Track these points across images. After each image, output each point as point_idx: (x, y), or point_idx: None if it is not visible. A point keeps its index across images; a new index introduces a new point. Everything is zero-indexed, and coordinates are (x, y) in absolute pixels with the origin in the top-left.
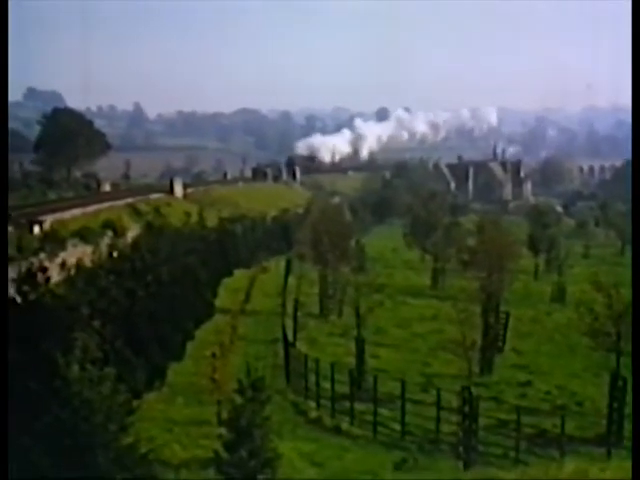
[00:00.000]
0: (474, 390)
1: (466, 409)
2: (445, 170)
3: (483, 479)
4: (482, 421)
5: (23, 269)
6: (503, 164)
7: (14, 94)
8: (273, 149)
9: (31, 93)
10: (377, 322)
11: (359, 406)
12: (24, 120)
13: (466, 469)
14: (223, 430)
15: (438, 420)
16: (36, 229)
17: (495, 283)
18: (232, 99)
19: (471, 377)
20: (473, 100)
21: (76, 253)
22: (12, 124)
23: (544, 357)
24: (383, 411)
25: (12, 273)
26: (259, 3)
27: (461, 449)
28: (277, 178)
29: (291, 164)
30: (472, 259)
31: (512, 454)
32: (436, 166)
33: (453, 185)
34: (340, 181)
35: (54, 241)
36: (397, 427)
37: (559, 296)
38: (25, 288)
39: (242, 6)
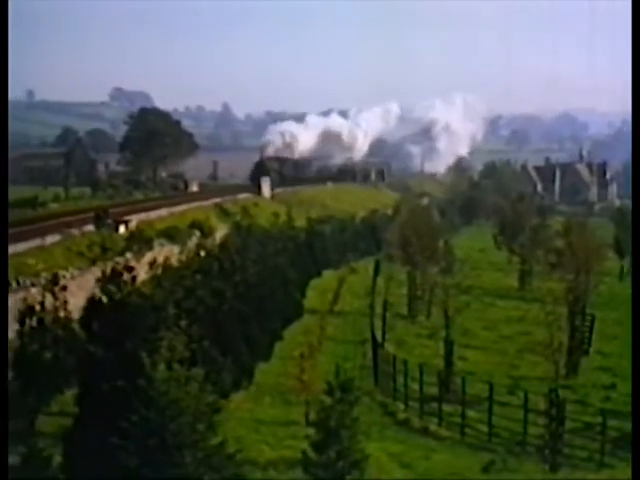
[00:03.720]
0: (560, 393)
1: (553, 412)
2: (532, 172)
3: None
4: (568, 424)
5: (109, 269)
6: (589, 166)
7: (100, 94)
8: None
9: (118, 93)
10: (465, 323)
11: (447, 407)
12: (110, 120)
13: (552, 472)
14: (311, 430)
15: (525, 422)
16: (122, 229)
17: (581, 285)
18: (322, 99)
19: (558, 380)
20: (562, 102)
21: (163, 253)
22: (98, 124)
23: (628, 360)
24: (471, 413)
25: (98, 272)
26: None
27: (547, 452)
28: (366, 179)
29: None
30: (559, 261)
31: (597, 457)
32: (523, 168)
33: (540, 187)
34: (428, 182)
35: (140, 241)
36: (484, 429)
37: None
38: (111, 288)
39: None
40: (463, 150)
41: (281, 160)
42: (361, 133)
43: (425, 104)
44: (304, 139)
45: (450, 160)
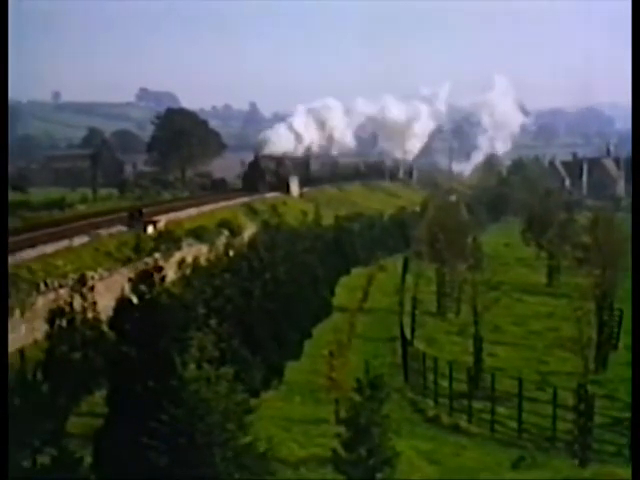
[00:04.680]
0: (589, 388)
1: (582, 407)
2: (560, 167)
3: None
4: (597, 419)
5: (138, 269)
6: (616, 161)
7: (126, 95)
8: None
9: (144, 93)
10: (493, 320)
11: (476, 404)
12: (137, 121)
13: (582, 467)
14: (341, 428)
15: (554, 418)
16: (150, 229)
17: (609, 280)
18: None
19: (587, 375)
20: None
21: (192, 252)
22: (125, 125)
23: None
24: (500, 409)
25: (125, 273)
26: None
27: (576, 447)
28: (394, 176)
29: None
30: (586, 256)
31: (626, 452)
32: (551, 163)
33: (568, 182)
34: (456, 179)
35: (169, 241)
36: (514, 425)
37: None
38: (141, 288)
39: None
40: (503, 146)
41: (278, 159)
42: (418, 125)
43: (475, 87)
44: (341, 128)
45: (482, 156)
